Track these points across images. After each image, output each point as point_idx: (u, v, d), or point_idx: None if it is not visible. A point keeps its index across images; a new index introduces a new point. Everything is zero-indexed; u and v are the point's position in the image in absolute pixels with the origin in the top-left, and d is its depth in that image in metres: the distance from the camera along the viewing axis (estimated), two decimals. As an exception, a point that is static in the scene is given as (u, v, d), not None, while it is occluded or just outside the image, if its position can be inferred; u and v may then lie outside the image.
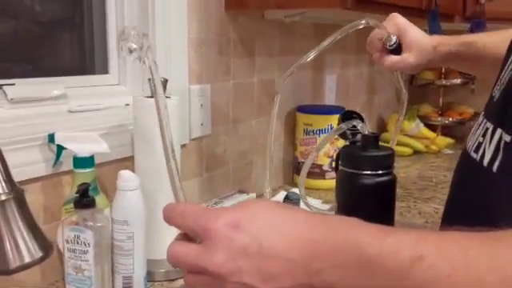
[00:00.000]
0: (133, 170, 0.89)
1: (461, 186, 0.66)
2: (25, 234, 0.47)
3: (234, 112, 1.29)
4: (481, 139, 0.60)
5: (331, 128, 1.43)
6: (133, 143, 0.97)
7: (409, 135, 2.02)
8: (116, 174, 0.84)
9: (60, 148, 0.86)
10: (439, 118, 2.17)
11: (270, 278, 0.43)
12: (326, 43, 0.88)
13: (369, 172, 0.79)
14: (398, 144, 1.88)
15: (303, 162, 1.10)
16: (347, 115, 0.86)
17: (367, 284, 0.41)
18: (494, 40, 0.89)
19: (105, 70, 1.08)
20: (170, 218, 0.48)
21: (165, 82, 0.89)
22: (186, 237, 0.48)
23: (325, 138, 0.95)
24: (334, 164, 1.34)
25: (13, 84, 0.89)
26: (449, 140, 2.03)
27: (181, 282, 0.90)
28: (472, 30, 1.68)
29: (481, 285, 0.37)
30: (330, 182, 1.40)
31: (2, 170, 0.47)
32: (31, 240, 0.48)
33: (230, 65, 1.26)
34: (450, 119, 2.16)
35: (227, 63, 1.25)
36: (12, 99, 0.87)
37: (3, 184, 0.47)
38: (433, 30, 1.39)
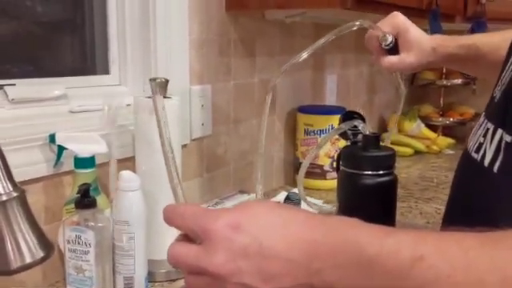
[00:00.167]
0: (134, 171, 0.89)
1: (461, 186, 0.66)
2: (26, 234, 0.47)
3: (234, 112, 1.29)
4: (482, 140, 0.60)
5: (332, 128, 1.43)
6: (134, 143, 0.97)
7: (410, 135, 2.02)
8: (117, 174, 0.84)
9: (61, 148, 0.86)
10: (440, 119, 2.17)
11: (270, 279, 0.43)
12: (318, 44, 0.86)
13: (370, 172, 0.79)
14: (399, 144, 1.89)
15: (304, 163, 1.09)
16: (348, 115, 0.86)
17: (367, 284, 0.41)
18: (494, 41, 0.89)
19: (106, 71, 1.09)
20: (170, 218, 0.48)
21: (166, 83, 0.89)
22: (187, 237, 0.48)
23: (324, 138, 0.95)
24: (334, 164, 1.34)
25: (14, 84, 0.89)
26: (450, 140, 2.03)
27: (182, 282, 0.90)
28: (473, 31, 1.67)
29: (481, 285, 0.37)
30: (331, 183, 1.40)
31: (3, 170, 0.47)
32: (32, 240, 0.48)
33: (230, 65, 1.26)
34: (451, 119, 2.16)
35: (228, 63, 1.25)
36: (13, 99, 0.87)
37: (4, 184, 0.47)
38: (433, 31, 1.39)
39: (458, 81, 2.13)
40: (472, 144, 0.63)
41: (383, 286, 0.41)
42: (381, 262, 0.40)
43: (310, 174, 1.45)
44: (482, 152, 0.59)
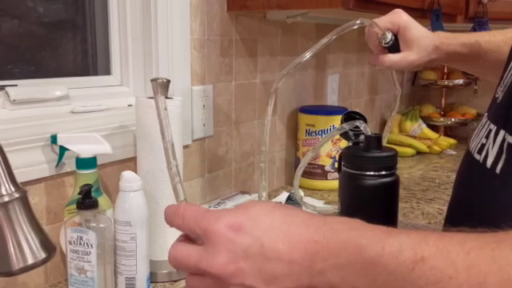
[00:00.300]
0: (135, 171, 0.89)
1: (464, 186, 0.66)
2: (28, 235, 0.47)
3: (236, 113, 1.29)
4: (484, 140, 0.60)
5: (333, 129, 1.43)
6: (135, 144, 0.97)
7: (411, 136, 2.02)
8: (118, 174, 0.84)
9: (63, 149, 0.86)
10: (441, 119, 2.17)
11: (272, 280, 0.43)
12: (321, 44, 0.85)
13: (372, 173, 0.79)
14: (401, 144, 1.88)
15: (305, 163, 1.09)
16: (350, 116, 0.86)
17: (369, 285, 0.41)
18: (497, 39, 0.88)
19: (107, 71, 1.09)
20: (170, 219, 0.48)
21: (167, 83, 0.89)
22: (188, 238, 0.48)
23: (324, 138, 0.94)
24: (336, 165, 1.34)
25: (15, 85, 0.89)
26: (451, 140, 2.03)
27: (183, 283, 0.90)
28: (475, 31, 1.67)
29: (483, 286, 0.37)
30: (332, 183, 1.40)
31: (5, 171, 0.47)
32: (34, 241, 0.48)
33: (232, 65, 1.26)
34: (453, 120, 2.16)
35: (229, 64, 1.25)
36: (14, 100, 0.87)
37: (6, 185, 0.47)
38: (435, 31, 1.38)
39: (460, 81, 2.13)
40: (474, 145, 0.62)
41: (385, 286, 0.40)
42: (382, 262, 0.40)
43: (311, 175, 1.45)
44: (484, 153, 0.59)
